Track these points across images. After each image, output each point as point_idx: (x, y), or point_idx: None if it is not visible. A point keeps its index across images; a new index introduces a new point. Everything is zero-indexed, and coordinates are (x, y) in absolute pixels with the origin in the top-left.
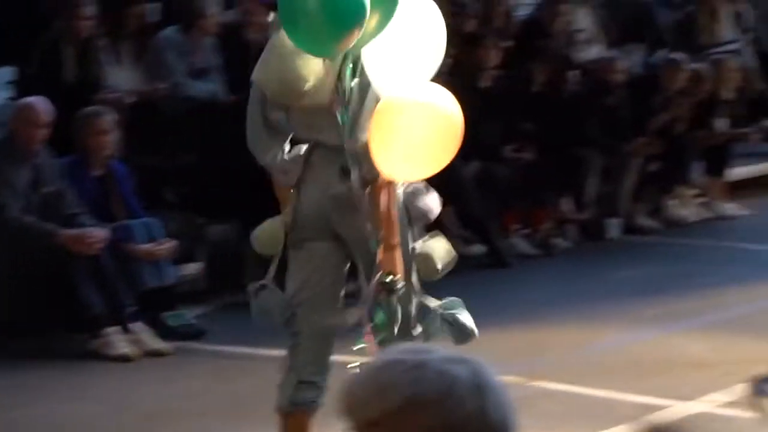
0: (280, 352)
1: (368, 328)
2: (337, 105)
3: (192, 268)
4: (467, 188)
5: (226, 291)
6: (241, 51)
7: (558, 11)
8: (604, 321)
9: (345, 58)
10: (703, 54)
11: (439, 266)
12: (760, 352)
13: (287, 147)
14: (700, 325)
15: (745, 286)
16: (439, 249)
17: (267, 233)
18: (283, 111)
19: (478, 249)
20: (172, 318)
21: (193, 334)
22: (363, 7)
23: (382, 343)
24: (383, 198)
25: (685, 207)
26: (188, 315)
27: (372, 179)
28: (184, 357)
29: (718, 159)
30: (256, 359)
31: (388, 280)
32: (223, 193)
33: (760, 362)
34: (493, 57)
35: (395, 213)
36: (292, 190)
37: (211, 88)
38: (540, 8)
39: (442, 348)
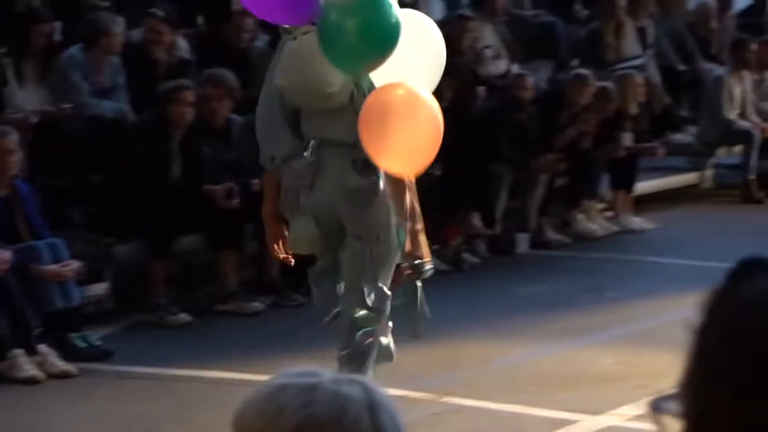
0: (188, 372)
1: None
2: (357, 105)
3: (98, 289)
4: None
5: (133, 311)
6: (146, 69)
7: (465, 27)
8: (513, 336)
9: None
10: (608, 70)
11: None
12: (667, 365)
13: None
14: (608, 338)
15: (652, 299)
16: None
17: (300, 237)
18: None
19: None
20: (79, 339)
21: (100, 355)
22: (398, 36)
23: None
24: (405, 189)
25: (592, 221)
26: (95, 336)
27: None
28: (91, 378)
29: (624, 173)
30: (164, 379)
31: (417, 263)
32: (130, 213)
33: (668, 375)
34: None
35: (416, 202)
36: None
37: (116, 107)
38: (447, 24)
39: (329, 371)
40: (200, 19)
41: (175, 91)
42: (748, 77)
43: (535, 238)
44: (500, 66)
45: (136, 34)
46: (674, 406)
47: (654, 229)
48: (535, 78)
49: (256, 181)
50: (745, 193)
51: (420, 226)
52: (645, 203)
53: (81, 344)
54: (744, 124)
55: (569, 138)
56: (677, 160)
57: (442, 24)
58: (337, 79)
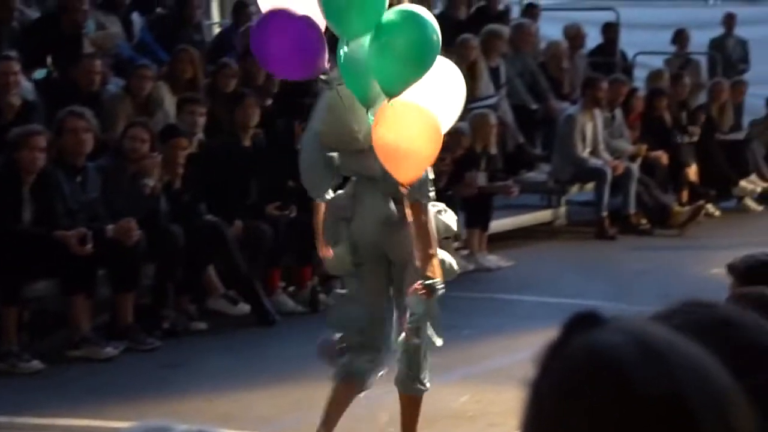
0: (41, 420)
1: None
2: None
3: None
4: (231, 247)
5: None
6: None
7: None
8: None
9: None
10: (463, 109)
11: (456, 267)
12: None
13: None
14: (463, 377)
15: (508, 337)
16: (449, 255)
17: (336, 263)
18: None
19: (243, 308)
20: None
21: None
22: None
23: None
24: (421, 215)
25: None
26: None
27: (411, 202)
28: None
29: (479, 212)
30: (17, 428)
31: (429, 282)
32: None
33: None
34: (254, 115)
35: (432, 227)
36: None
37: None
38: None
39: (181, 424)
40: (49, 61)
41: (26, 136)
42: (599, 115)
43: None
44: None
45: None
46: None
47: (509, 266)
48: None
49: (110, 226)
50: (598, 229)
51: (434, 250)
52: (500, 241)
53: None
54: (596, 161)
55: None
56: (531, 198)
57: None
58: (363, 125)
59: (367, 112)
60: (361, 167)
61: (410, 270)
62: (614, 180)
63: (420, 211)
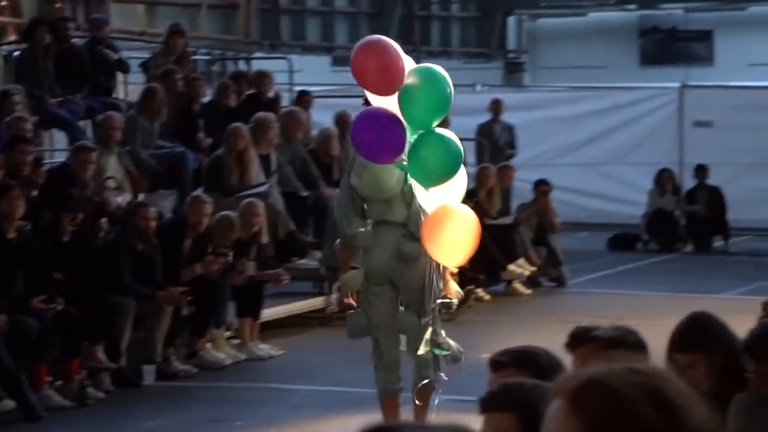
0: None
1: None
2: (406, 197)
3: None
4: None
5: None
6: None
7: (87, 158)
8: None
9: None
10: (232, 197)
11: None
12: None
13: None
14: None
15: (281, 427)
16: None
17: (352, 278)
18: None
19: (8, 404)
20: None
21: None
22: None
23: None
24: None
25: (219, 350)
26: None
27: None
28: None
29: (250, 300)
30: None
31: (447, 301)
32: None
33: None
34: (19, 206)
35: None
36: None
37: None
38: (69, 156)
39: None
40: None
41: None
42: None
43: (162, 369)
44: (123, 197)
45: None
46: None
47: (282, 355)
48: (160, 208)
49: None
50: None
51: (449, 276)
52: (272, 329)
53: None
54: None
55: (196, 273)
56: (303, 285)
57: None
58: (392, 182)
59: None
60: (385, 213)
61: (423, 292)
62: None
63: None
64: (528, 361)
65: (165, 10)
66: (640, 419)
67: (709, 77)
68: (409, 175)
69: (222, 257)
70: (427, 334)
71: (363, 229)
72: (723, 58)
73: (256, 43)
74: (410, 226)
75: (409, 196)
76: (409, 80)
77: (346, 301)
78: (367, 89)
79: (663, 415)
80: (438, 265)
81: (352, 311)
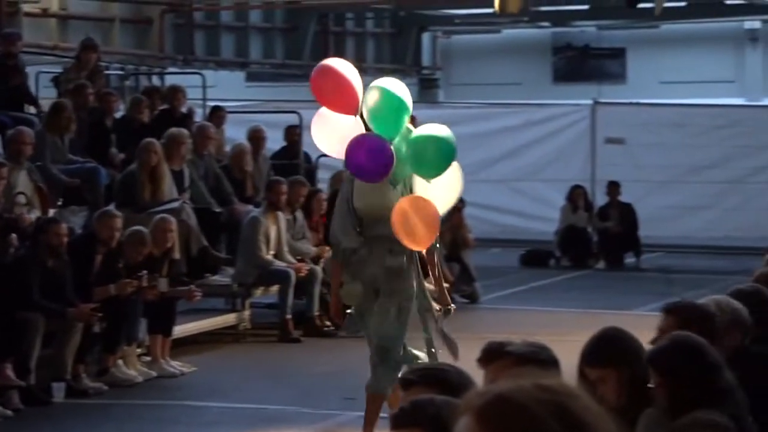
0: None
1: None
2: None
3: None
4: None
5: None
6: None
7: None
8: None
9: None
10: (144, 213)
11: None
12: None
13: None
14: None
15: None
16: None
17: (350, 293)
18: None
19: None
20: None
21: None
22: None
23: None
24: (435, 258)
25: (130, 367)
26: None
27: (426, 252)
28: None
29: (161, 317)
30: None
31: (446, 308)
32: None
33: None
34: None
35: (440, 269)
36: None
37: None
38: None
39: None
40: None
41: None
42: (282, 218)
43: (72, 386)
44: (33, 213)
45: None
46: None
47: (193, 372)
48: (72, 223)
49: None
50: (283, 332)
51: (443, 284)
52: (184, 346)
53: None
54: (279, 264)
55: (110, 294)
56: (215, 302)
57: None
58: (395, 200)
59: (394, 187)
60: (379, 230)
61: (384, 308)
62: (298, 282)
63: (434, 256)
64: (436, 379)
65: (77, 24)
66: None
67: (622, 95)
68: (411, 172)
69: (136, 280)
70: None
71: (358, 246)
72: (635, 76)
73: (170, 58)
74: (396, 239)
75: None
76: (369, 100)
77: (335, 319)
78: (330, 108)
79: None
80: (422, 275)
81: (349, 312)
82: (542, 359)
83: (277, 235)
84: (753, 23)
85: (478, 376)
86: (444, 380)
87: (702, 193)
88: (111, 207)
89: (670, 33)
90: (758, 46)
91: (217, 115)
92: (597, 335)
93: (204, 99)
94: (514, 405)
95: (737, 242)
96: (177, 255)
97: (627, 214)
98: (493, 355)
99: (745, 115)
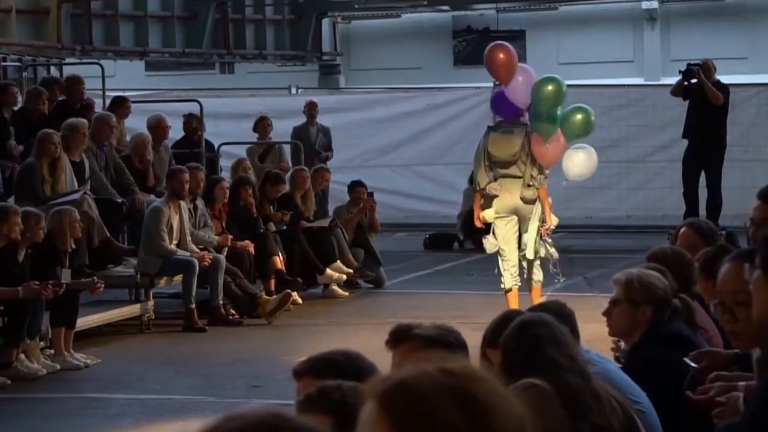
0: None
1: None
2: (524, 157)
3: None
4: None
5: None
6: None
7: None
8: None
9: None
10: (45, 205)
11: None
12: None
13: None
14: None
15: None
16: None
17: (488, 213)
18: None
19: None
20: None
21: None
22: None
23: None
24: (545, 191)
25: (33, 360)
26: None
27: (540, 186)
28: None
29: (64, 310)
30: None
31: (551, 226)
32: None
33: None
34: None
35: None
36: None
37: None
38: None
39: None
40: None
41: None
42: (184, 207)
43: None
44: None
45: None
46: None
47: (98, 364)
48: None
49: None
50: (187, 321)
51: (549, 209)
52: (87, 338)
53: None
54: (183, 253)
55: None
56: (119, 293)
57: None
58: (517, 147)
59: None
60: (510, 170)
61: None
62: (201, 271)
63: (545, 190)
64: (325, 369)
65: None
66: (446, 422)
67: None
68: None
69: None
70: (537, 246)
71: (492, 182)
72: (535, 58)
73: (68, 48)
74: (526, 179)
75: (525, 159)
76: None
77: (477, 224)
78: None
79: (469, 418)
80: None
81: (486, 236)
82: (450, 342)
83: (179, 224)
84: (651, 3)
85: (386, 359)
86: (333, 369)
87: (603, 173)
88: (11, 201)
89: (568, 14)
90: (656, 26)
91: (123, 106)
92: (498, 317)
93: (104, 89)
94: (414, 391)
95: (639, 221)
96: (78, 246)
97: None
98: (401, 337)
99: (644, 95)
